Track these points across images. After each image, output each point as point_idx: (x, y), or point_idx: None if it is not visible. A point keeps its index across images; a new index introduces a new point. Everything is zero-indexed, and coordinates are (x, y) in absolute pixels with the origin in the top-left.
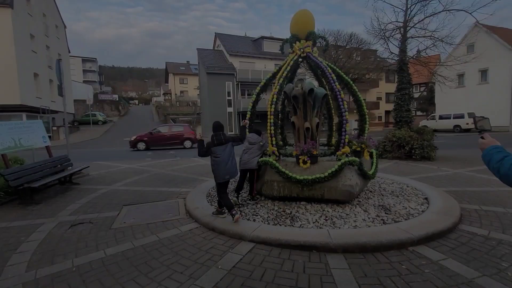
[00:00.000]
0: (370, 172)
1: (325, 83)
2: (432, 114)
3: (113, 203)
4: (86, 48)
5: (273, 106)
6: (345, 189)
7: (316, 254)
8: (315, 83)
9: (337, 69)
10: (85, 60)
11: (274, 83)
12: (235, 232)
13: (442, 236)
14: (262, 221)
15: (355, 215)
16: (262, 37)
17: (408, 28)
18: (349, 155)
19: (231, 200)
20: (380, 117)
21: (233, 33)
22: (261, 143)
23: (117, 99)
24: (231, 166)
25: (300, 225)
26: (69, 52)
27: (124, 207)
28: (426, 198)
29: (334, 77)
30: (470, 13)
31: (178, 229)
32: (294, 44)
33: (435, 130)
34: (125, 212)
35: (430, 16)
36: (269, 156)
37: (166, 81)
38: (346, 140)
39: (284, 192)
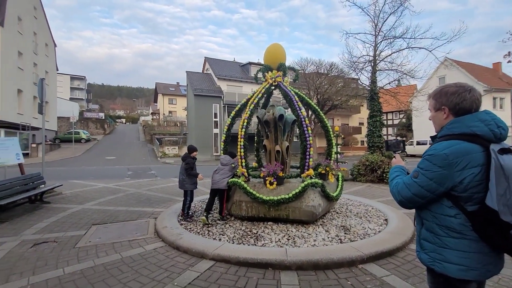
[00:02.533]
0: (334, 194)
1: (292, 109)
2: (410, 140)
3: (81, 223)
4: (76, 66)
5: (243, 129)
6: (308, 210)
7: (271, 272)
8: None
9: (306, 98)
10: (73, 77)
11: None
12: (198, 251)
13: (392, 255)
14: (227, 241)
15: (316, 234)
16: (250, 63)
17: (377, 61)
18: (313, 177)
19: (201, 218)
20: (362, 142)
21: (223, 57)
22: (233, 165)
23: (103, 117)
24: (179, 180)
25: (263, 244)
26: (57, 69)
27: (93, 226)
28: (386, 219)
29: (300, 105)
30: (430, 51)
31: (143, 248)
32: (266, 74)
33: (413, 155)
34: (93, 231)
35: (395, 52)
36: (239, 177)
37: (155, 101)
38: (310, 163)
39: (252, 212)
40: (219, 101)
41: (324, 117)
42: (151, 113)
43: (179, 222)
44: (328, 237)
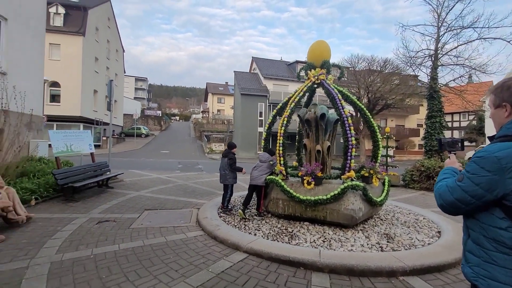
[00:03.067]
0: (378, 199)
1: (334, 108)
2: (481, 145)
3: (136, 207)
4: (140, 69)
5: (283, 128)
6: (347, 213)
7: (302, 271)
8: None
9: (351, 96)
10: (137, 79)
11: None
12: (233, 243)
13: (441, 270)
14: (262, 236)
15: (354, 240)
16: (297, 61)
17: (439, 55)
18: (354, 179)
19: (238, 212)
20: (420, 145)
21: (271, 56)
22: (271, 162)
23: (160, 115)
24: (221, 175)
25: (297, 243)
26: (125, 72)
27: (146, 211)
28: (439, 232)
29: (343, 103)
30: (509, 42)
31: (185, 235)
32: (309, 72)
33: None
34: (145, 216)
35: (463, 44)
36: (277, 175)
37: (206, 100)
38: (352, 165)
39: (288, 210)
40: (265, 100)
41: (370, 116)
42: (202, 112)
43: (218, 214)
44: (367, 244)
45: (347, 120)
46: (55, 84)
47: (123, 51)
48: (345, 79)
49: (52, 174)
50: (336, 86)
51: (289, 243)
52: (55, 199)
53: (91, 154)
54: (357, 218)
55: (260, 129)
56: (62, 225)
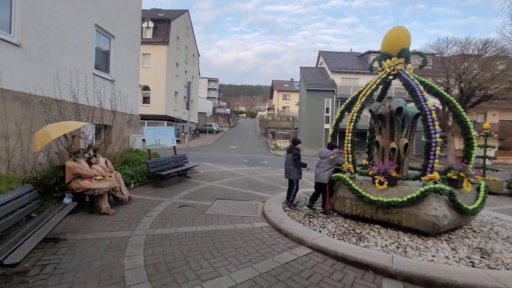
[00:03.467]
0: (470, 207)
1: (414, 101)
2: None
3: (209, 196)
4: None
5: (352, 124)
6: (428, 219)
7: (371, 275)
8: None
9: (436, 87)
10: (210, 80)
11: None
12: (297, 237)
13: None
14: (327, 234)
15: (436, 250)
16: (369, 52)
17: None
18: (439, 181)
19: (304, 208)
20: None
21: (340, 49)
22: (331, 157)
23: (229, 113)
24: (286, 170)
25: (366, 245)
26: (199, 74)
27: (217, 200)
28: None
29: (425, 95)
30: None
31: (251, 224)
32: (383, 62)
33: None
34: (217, 204)
35: None
36: (344, 172)
37: (271, 97)
38: (435, 165)
39: (356, 210)
40: (332, 95)
41: (461, 110)
42: (267, 109)
43: (283, 208)
44: (453, 257)
45: (430, 115)
46: (146, 88)
47: (198, 55)
48: (430, 67)
49: (145, 163)
50: (416, 76)
51: (357, 244)
52: (147, 184)
53: (174, 147)
54: (441, 226)
55: (327, 126)
56: (153, 206)
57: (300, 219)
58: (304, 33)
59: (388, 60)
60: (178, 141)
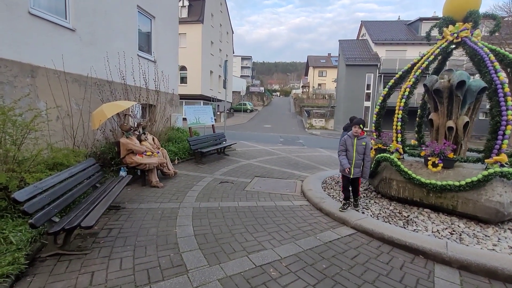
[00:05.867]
0: None
1: (482, 73)
2: None
3: (248, 173)
4: (245, 48)
5: (403, 100)
6: (490, 206)
7: (422, 260)
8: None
9: (511, 56)
10: (243, 58)
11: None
12: (339, 217)
13: None
14: (371, 216)
15: (498, 239)
16: (420, 19)
17: None
18: (506, 165)
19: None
20: None
21: (385, 17)
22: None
23: (263, 91)
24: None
25: (414, 229)
26: (233, 52)
27: (256, 177)
28: None
29: (496, 66)
30: None
31: (291, 202)
32: (444, 29)
33: None
34: (255, 181)
35: None
36: (392, 153)
37: (306, 74)
38: (504, 146)
39: (404, 193)
40: (374, 70)
41: None
42: (302, 86)
43: (322, 187)
44: None
45: (502, 88)
46: (183, 68)
47: (232, 32)
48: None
49: (187, 141)
50: (485, 44)
51: (405, 227)
52: (189, 161)
53: (212, 126)
54: (505, 214)
55: (367, 104)
56: (196, 181)
57: (341, 199)
58: (343, 1)
59: (450, 26)
60: (214, 120)
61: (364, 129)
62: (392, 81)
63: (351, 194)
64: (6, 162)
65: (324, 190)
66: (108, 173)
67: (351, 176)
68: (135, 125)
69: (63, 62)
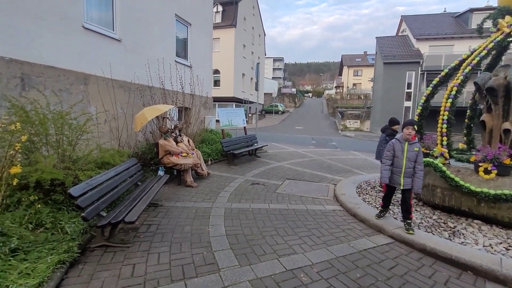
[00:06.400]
0: None
1: None
2: None
3: (279, 175)
4: (277, 49)
5: (449, 100)
6: None
7: (470, 276)
8: None
9: None
10: (275, 60)
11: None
12: (375, 224)
13: None
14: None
15: None
16: (471, 10)
17: None
18: None
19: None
20: None
21: (428, 11)
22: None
23: (295, 92)
24: (377, 151)
25: (462, 242)
26: (265, 54)
27: (287, 180)
28: None
29: None
30: None
31: (323, 206)
32: (500, 20)
33: None
34: (287, 184)
35: None
36: (436, 157)
37: (340, 74)
38: None
39: (449, 202)
40: (416, 67)
41: None
42: (335, 87)
43: (357, 192)
44: None
45: None
46: (216, 71)
47: (264, 35)
48: None
49: (220, 143)
50: None
51: (450, 239)
52: (222, 162)
53: (244, 128)
54: None
55: (407, 104)
56: (228, 182)
57: (377, 205)
58: None
59: (507, 17)
60: (246, 121)
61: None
62: (437, 79)
63: (390, 204)
64: (63, 161)
65: (359, 195)
66: (148, 172)
67: (401, 188)
68: (172, 127)
69: (111, 70)
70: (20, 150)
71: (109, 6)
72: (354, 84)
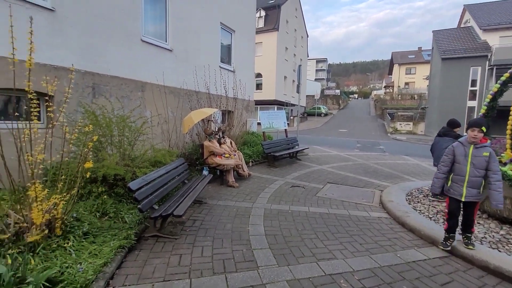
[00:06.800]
0: None
1: None
2: None
3: (320, 179)
4: (320, 50)
5: None
6: None
7: None
8: None
9: None
10: (318, 61)
11: None
12: (427, 235)
13: None
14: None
15: None
16: None
17: None
18: None
19: (435, 203)
20: None
21: None
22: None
23: (339, 94)
24: (435, 157)
25: None
26: (308, 56)
27: (328, 184)
28: None
29: None
30: None
31: (367, 213)
32: None
33: None
34: (328, 188)
35: None
36: (505, 164)
37: (390, 73)
38: None
39: None
40: (482, 62)
41: None
42: (384, 87)
43: (406, 200)
44: None
45: None
46: (258, 75)
47: (307, 36)
48: None
49: (261, 145)
50: None
51: None
52: (262, 164)
53: (285, 130)
54: None
55: (472, 103)
56: (268, 183)
57: (430, 215)
58: None
59: None
60: (287, 124)
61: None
62: (507, 74)
63: (459, 225)
64: (123, 159)
65: (409, 203)
66: (194, 171)
67: (463, 199)
68: (216, 129)
69: (164, 78)
70: (91, 149)
71: (163, 19)
72: (406, 83)
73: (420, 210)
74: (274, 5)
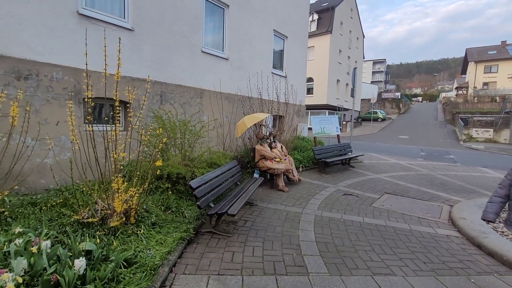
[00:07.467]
0: None
1: None
2: None
3: (376, 188)
4: (377, 51)
5: None
6: None
7: None
8: None
9: None
10: (375, 62)
11: None
12: None
13: None
14: None
15: None
16: None
17: None
18: None
19: None
20: None
21: None
22: None
23: (399, 97)
24: None
25: None
26: (364, 58)
27: (385, 194)
28: None
29: None
30: None
31: (433, 229)
32: None
33: None
34: (385, 198)
35: None
36: None
37: (463, 72)
38: None
39: None
40: None
41: None
42: (455, 88)
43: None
44: None
45: None
46: (309, 79)
47: (363, 37)
48: None
49: (312, 150)
50: None
51: None
52: (313, 170)
53: (337, 136)
54: None
55: None
56: (319, 190)
57: None
58: None
59: None
60: (340, 129)
61: None
62: None
63: None
64: (184, 159)
65: (487, 223)
66: (245, 174)
67: None
68: (267, 134)
69: (220, 85)
70: (160, 149)
71: (220, 30)
72: (485, 83)
73: (502, 232)
74: (328, 8)
